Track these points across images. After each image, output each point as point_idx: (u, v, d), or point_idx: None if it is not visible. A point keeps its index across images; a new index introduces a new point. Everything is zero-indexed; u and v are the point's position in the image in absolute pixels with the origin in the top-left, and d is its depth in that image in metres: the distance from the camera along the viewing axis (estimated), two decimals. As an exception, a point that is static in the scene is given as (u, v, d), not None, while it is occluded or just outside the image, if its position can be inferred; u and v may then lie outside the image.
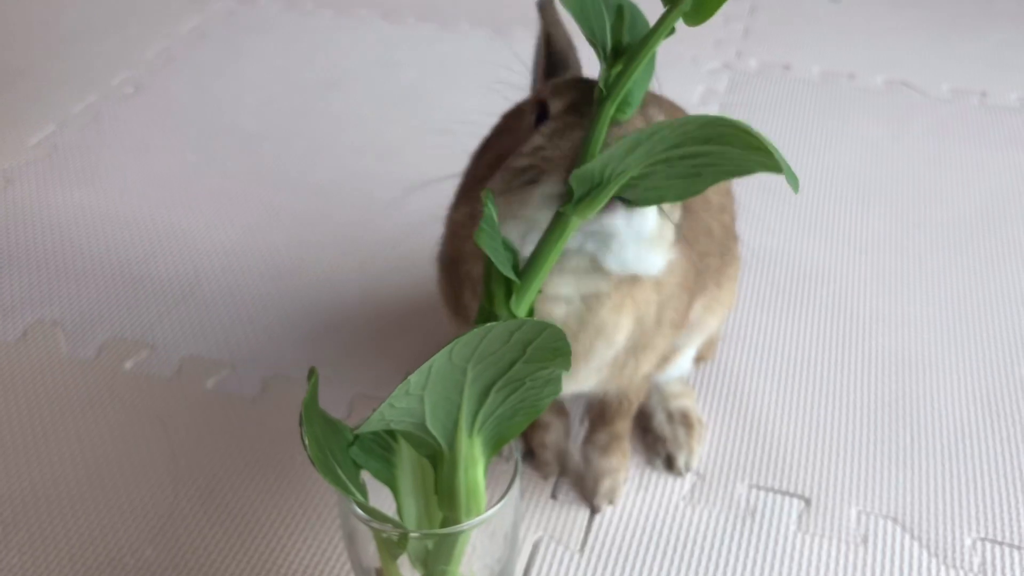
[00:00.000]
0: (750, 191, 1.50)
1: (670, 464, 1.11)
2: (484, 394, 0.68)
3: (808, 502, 1.08)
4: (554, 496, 1.08)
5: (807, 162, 1.67)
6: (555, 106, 0.76)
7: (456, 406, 0.67)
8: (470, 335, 0.61)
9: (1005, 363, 1.27)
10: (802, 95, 1.87)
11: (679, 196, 0.67)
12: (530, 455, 1.11)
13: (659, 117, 0.73)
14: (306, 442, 0.65)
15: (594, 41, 0.71)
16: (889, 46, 2.06)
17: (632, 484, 1.09)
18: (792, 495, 1.09)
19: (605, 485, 1.07)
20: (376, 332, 1.30)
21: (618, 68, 0.69)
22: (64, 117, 1.75)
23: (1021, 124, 1.80)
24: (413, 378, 0.62)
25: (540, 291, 0.75)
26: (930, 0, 2.24)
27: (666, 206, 0.74)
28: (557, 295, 0.79)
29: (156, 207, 1.53)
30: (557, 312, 0.80)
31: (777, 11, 2.18)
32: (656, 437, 1.13)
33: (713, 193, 1.00)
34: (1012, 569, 1.01)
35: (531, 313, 0.72)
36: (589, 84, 0.76)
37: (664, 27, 0.65)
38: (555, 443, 1.11)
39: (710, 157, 0.63)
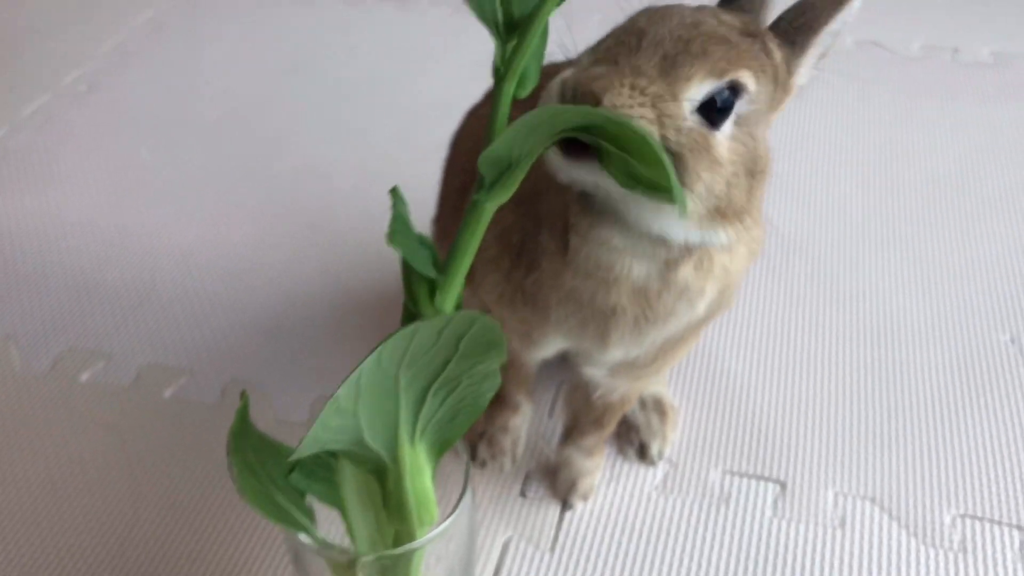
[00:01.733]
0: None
1: (643, 453, 1.08)
2: (421, 399, 0.65)
3: (784, 486, 1.05)
4: (523, 494, 1.05)
5: (776, 129, 1.63)
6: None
7: (393, 415, 0.64)
8: (396, 337, 0.58)
9: (983, 329, 1.24)
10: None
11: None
12: (484, 439, 1.08)
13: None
14: (234, 474, 0.62)
15: (484, 18, 0.67)
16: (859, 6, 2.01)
17: (603, 476, 1.07)
18: (767, 479, 1.06)
19: (584, 485, 1.04)
20: (340, 329, 1.27)
21: (512, 43, 0.66)
22: (15, 120, 1.70)
23: (994, 80, 1.77)
24: (342, 392, 0.58)
25: (616, 247, 0.73)
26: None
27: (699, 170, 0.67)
28: (636, 251, 0.74)
29: (111, 209, 1.49)
30: (637, 270, 0.76)
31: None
32: (629, 426, 1.10)
33: None
34: (993, 545, 0.99)
35: (459, 307, 0.69)
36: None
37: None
38: (517, 429, 1.08)
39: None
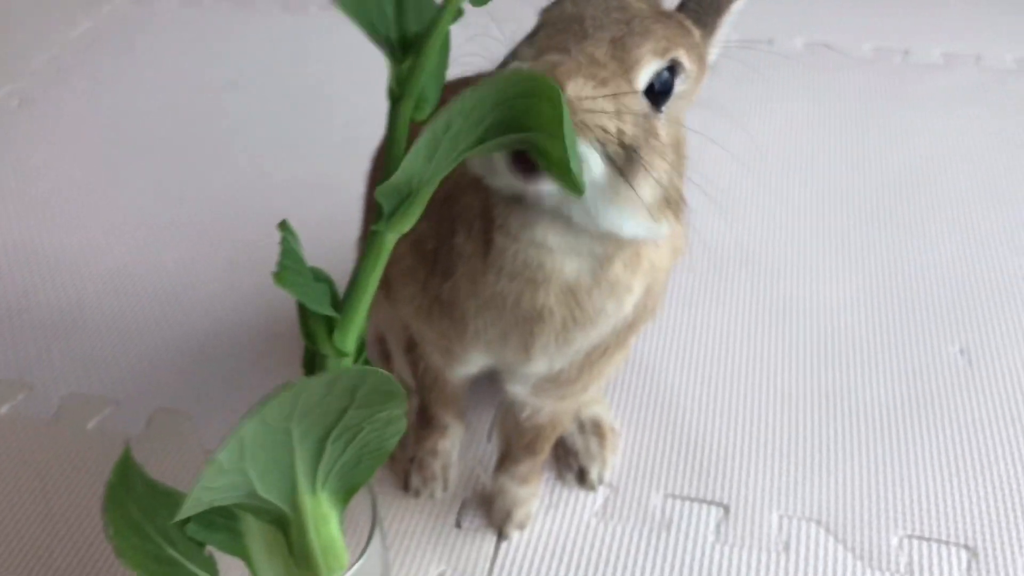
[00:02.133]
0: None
1: (582, 478, 1.05)
2: (319, 448, 0.61)
3: (727, 509, 1.02)
4: (458, 524, 1.01)
5: (722, 137, 1.60)
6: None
7: (289, 467, 0.61)
8: (281, 396, 0.55)
9: (932, 340, 1.21)
10: (719, 64, 1.79)
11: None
12: (414, 464, 1.04)
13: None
14: (110, 533, 0.58)
15: (377, 37, 0.63)
16: (808, 6, 1.99)
17: (541, 503, 1.03)
18: (710, 503, 1.03)
19: (520, 514, 1.00)
20: (273, 354, 1.22)
21: (408, 63, 0.62)
22: (-58, 139, 1.65)
23: (945, 82, 1.75)
24: (223, 455, 0.54)
25: (549, 246, 0.70)
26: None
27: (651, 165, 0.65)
28: (570, 249, 0.72)
29: (39, 232, 1.44)
30: (568, 268, 0.73)
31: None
32: (567, 450, 1.07)
33: None
34: (939, 566, 0.96)
35: (362, 344, 0.65)
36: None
37: (448, 12, 0.59)
38: (447, 453, 1.04)
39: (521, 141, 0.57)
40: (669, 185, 0.68)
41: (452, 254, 0.78)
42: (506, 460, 1.00)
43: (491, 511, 1.01)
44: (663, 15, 0.69)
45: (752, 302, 1.28)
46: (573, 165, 0.56)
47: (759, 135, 1.61)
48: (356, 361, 0.67)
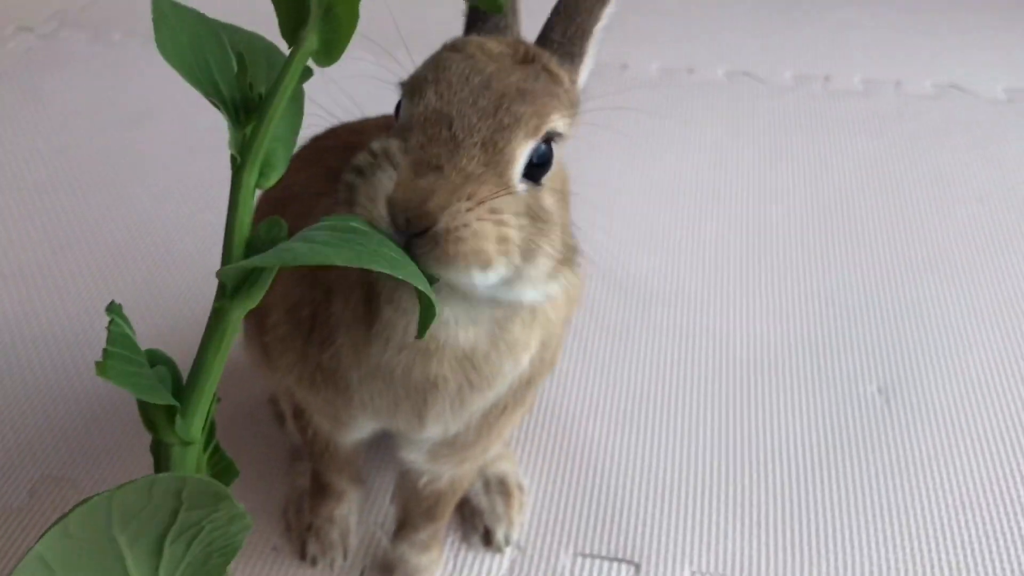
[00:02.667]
0: (574, 202, 1.40)
1: (488, 540, 1.00)
2: (156, 550, 0.55)
3: (638, 567, 0.98)
4: (356, 594, 0.96)
5: (642, 170, 1.58)
6: (402, 111, 0.64)
7: (122, 572, 0.55)
8: (90, 507, 0.49)
9: (850, 380, 1.19)
10: (640, 95, 1.77)
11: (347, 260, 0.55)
12: (311, 533, 0.99)
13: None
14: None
15: (215, 101, 0.58)
16: (730, 35, 1.98)
17: (444, 569, 0.98)
18: (621, 560, 0.99)
19: None
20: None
21: (250, 127, 0.57)
22: None
23: (864, 108, 1.74)
24: (19, 576, 0.49)
25: (445, 319, 0.66)
26: (769, -18, 2.17)
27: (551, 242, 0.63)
28: (467, 320, 0.68)
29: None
30: (463, 337, 0.69)
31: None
32: (472, 510, 1.02)
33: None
34: (857, 622, 0.93)
35: (212, 429, 0.60)
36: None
37: (291, 74, 0.54)
38: (344, 519, 0.99)
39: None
40: (562, 247, 0.65)
41: (330, 322, 0.74)
42: (405, 527, 0.95)
43: None
44: (528, 67, 0.65)
45: (669, 341, 1.24)
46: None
47: (678, 166, 1.58)
48: (206, 447, 0.62)
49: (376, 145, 0.62)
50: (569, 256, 0.67)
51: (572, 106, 0.67)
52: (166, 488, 0.51)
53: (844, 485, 1.06)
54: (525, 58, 0.66)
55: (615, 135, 1.62)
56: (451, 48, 0.66)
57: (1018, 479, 1.07)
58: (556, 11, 0.72)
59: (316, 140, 0.88)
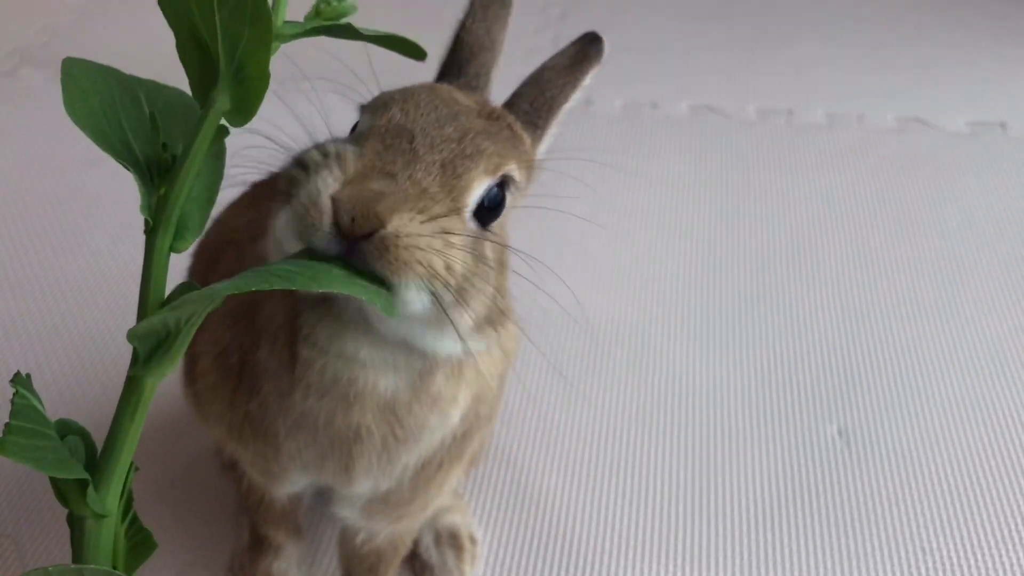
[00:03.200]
0: (534, 241, 1.39)
1: (439, 596, 0.97)
2: None
3: (592, 622, 0.95)
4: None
5: (603, 206, 1.56)
6: (361, 123, 0.64)
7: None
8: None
9: (810, 421, 1.17)
10: (603, 131, 1.76)
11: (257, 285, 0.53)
12: None
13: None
14: None
15: (125, 164, 0.57)
16: (693, 69, 1.98)
17: (393, 627, 0.95)
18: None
19: None
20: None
21: (163, 190, 0.56)
22: None
23: (827, 142, 1.74)
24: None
25: (361, 361, 0.64)
26: (731, 15, 2.17)
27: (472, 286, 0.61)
28: (385, 364, 0.66)
29: None
30: (383, 383, 0.67)
31: (574, 42, 2.09)
32: (423, 564, 0.99)
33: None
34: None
35: (129, 499, 0.58)
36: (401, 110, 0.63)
37: (203, 134, 0.53)
38: (284, 574, 0.96)
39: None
40: (492, 305, 0.64)
41: (257, 368, 0.72)
42: None
43: None
44: (494, 121, 0.65)
45: (627, 384, 1.23)
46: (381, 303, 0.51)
47: (639, 203, 1.57)
48: (124, 516, 0.60)
49: (329, 145, 0.61)
50: (497, 318, 0.66)
51: (529, 167, 0.67)
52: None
53: (804, 529, 1.04)
54: (491, 115, 0.66)
55: (577, 169, 1.62)
56: (422, 86, 0.67)
57: (980, 523, 1.05)
58: (527, 82, 0.73)
59: (256, 185, 0.87)
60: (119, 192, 1.62)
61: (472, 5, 0.78)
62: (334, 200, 0.56)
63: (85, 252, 1.48)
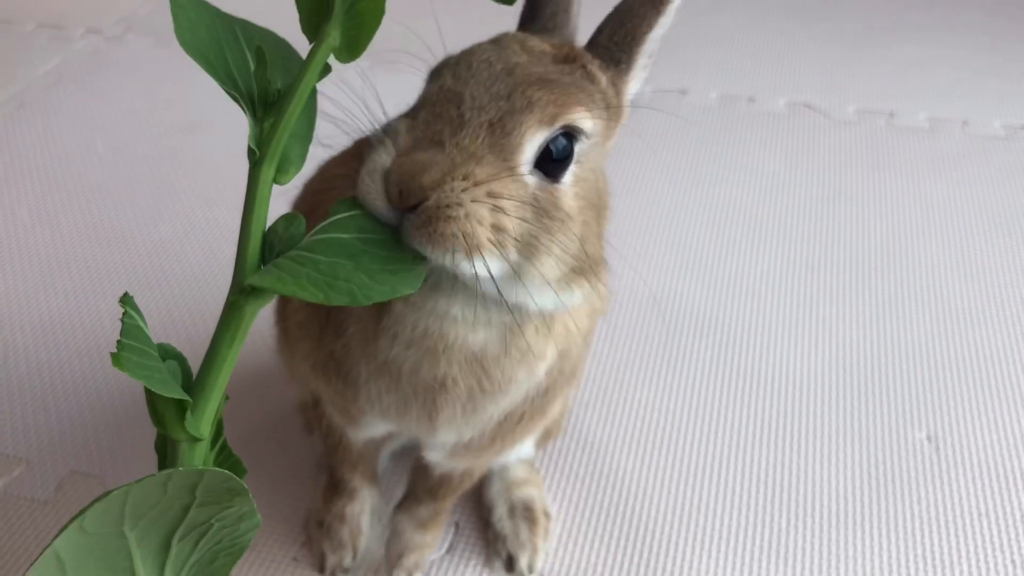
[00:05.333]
0: (620, 223, 1.38)
1: (511, 566, 0.97)
2: (164, 547, 0.55)
3: (665, 606, 0.94)
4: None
5: (694, 197, 1.55)
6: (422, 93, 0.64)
7: (129, 572, 0.53)
8: (99, 505, 0.48)
9: (899, 426, 1.14)
10: (699, 122, 1.74)
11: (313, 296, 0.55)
12: (323, 529, 0.97)
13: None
14: None
15: (234, 94, 0.57)
16: (793, 65, 1.94)
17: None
18: (647, 597, 0.95)
19: (410, 560, 0.94)
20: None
21: (269, 122, 0.56)
22: None
23: (928, 147, 1.69)
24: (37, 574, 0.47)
25: (453, 317, 0.65)
26: (836, 14, 2.13)
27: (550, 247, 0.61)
28: (477, 320, 0.66)
29: (-28, 277, 1.38)
30: (474, 338, 0.68)
31: (672, 32, 2.06)
32: (496, 534, 0.99)
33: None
34: None
35: (219, 426, 0.58)
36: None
37: (312, 69, 0.53)
38: (356, 518, 0.97)
39: None
40: (579, 254, 0.63)
41: (344, 310, 0.72)
42: (408, 499, 0.95)
43: (386, 550, 0.95)
44: (566, 65, 0.64)
45: (710, 374, 1.21)
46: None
47: (733, 196, 1.55)
48: (213, 445, 0.60)
49: (392, 121, 0.62)
50: (590, 267, 0.65)
51: (607, 108, 0.65)
52: (181, 483, 0.50)
53: (888, 532, 1.01)
54: (567, 58, 0.65)
55: (670, 158, 1.61)
56: (490, 39, 0.65)
57: (1073, 539, 1.01)
58: (609, 16, 0.70)
59: (358, 142, 0.88)
60: (212, 156, 1.65)
61: None
62: (384, 176, 0.57)
63: (178, 212, 1.51)
